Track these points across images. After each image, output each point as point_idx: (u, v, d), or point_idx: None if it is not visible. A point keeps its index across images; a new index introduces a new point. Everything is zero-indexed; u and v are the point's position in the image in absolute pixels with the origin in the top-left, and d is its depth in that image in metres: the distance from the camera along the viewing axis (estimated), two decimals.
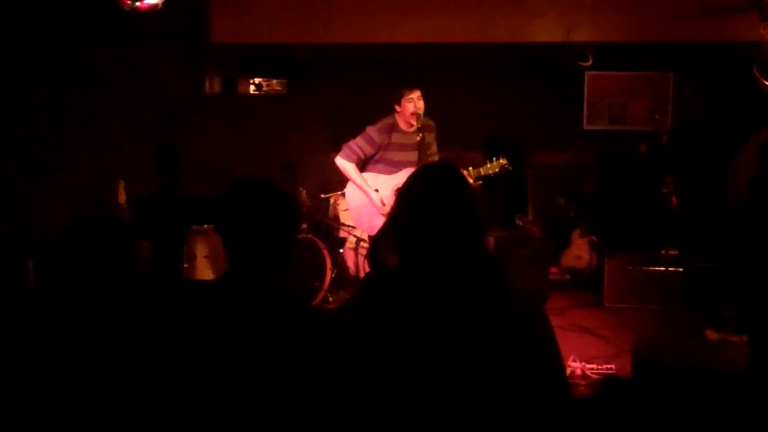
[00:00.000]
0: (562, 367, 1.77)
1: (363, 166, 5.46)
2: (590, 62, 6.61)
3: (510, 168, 5.43)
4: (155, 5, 4.34)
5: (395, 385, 1.64)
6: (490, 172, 5.40)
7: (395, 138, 5.34)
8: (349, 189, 5.54)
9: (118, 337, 2.15)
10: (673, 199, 5.60)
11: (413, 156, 5.30)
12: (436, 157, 5.49)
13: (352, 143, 5.37)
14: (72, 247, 2.19)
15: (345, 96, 7.84)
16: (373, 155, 5.39)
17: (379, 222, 5.32)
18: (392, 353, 1.65)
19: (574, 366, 4.67)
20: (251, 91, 7.66)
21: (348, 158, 5.36)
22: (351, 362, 1.70)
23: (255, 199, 2.21)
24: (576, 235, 7.43)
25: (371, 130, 5.35)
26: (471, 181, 5.32)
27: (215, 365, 2.09)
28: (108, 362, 2.09)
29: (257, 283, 2.17)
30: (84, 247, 2.18)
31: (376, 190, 5.39)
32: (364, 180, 5.41)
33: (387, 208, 5.31)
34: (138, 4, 4.26)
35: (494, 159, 5.42)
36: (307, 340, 2.07)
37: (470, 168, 5.35)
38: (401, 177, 5.30)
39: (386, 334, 1.68)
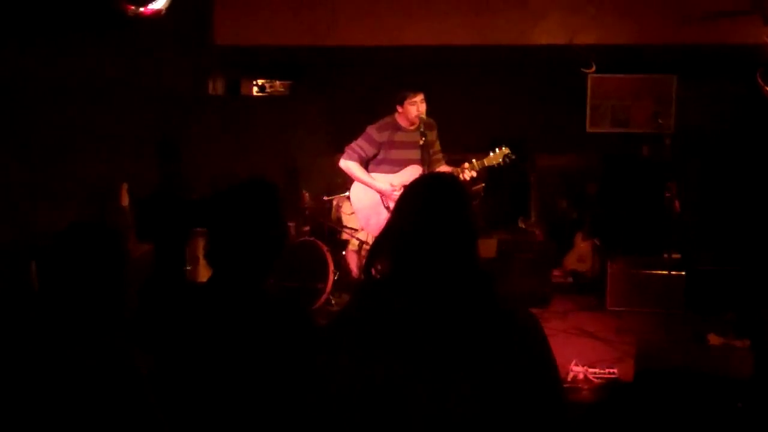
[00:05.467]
0: (558, 382, 1.75)
1: (366, 167, 5.47)
2: (593, 69, 6.62)
3: (514, 157, 5.36)
4: (159, 11, 4.34)
5: (389, 403, 1.65)
6: (494, 162, 5.34)
7: (397, 137, 5.35)
8: (354, 191, 5.54)
9: (113, 341, 2.15)
10: (676, 203, 5.59)
11: (416, 154, 5.31)
12: (439, 156, 5.50)
13: (353, 144, 5.42)
14: (60, 255, 2.20)
15: (348, 98, 7.84)
16: (376, 155, 5.41)
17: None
18: (385, 370, 1.66)
19: (577, 370, 4.66)
20: (254, 93, 7.66)
21: (350, 158, 5.40)
22: (344, 379, 1.71)
23: (245, 203, 2.23)
24: (579, 237, 7.43)
25: (371, 130, 5.39)
26: (474, 173, 5.29)
27: (201, 370, 2.13)
28: (106, 365, 2.09)
29: (239, 290, 2.19)
30: (71, 255, 2.19)
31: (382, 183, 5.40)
32: (370, 176, 5.41)
33: (398, 192, 5.34)
34: (142, 10, 4.26)
35: (497, 149, 5.37)
36: (288, 347, 2.10)
37: (473, 160, 5.30)
38: (405, 174, 5.32)
39: (379, 350, 1.68)
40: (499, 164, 5.36)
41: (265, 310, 2.19)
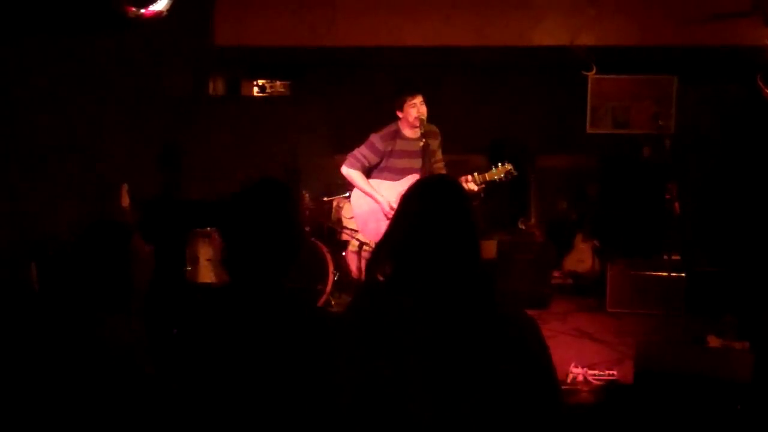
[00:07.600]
0: (556, 384, 1.76)
1: (368, 174, 5.46)
2: (594, 72, 6.62)
3: (515, 174, 5.34)
4: (159, 12, 4.35)
5: (391, 402, 1.65)
6: (495, 177, 5.30)
7: (399, 145, 5.33)
8: (355, 196, 5.54)
9: (122, 340, 2.16)
10: (676, 204, 5.59)
11: (417, 163, 5.30)
12: (440, 164, 5.47)
13: (356, 152, 5.38)
14: (88, 253, 2.22)
15: (348, 98, 7.85)
16: (378, 163, 5.39)
17: (385, 228, 5.31)
18: (385, 371, 1.67)
19: (576, 372, 4.66)
20: (255, 93, 7.66)
21: (353, 166, 5.38)
22: (347, 381, 1.71)
23: (263, 203, 2.17)
24: (578, 239, 7.43)
25: (374, 138, 5.35)
26: (475, 187, 5.27)
27: (222, 372, 2.06)
28: (110, 365, 2.09)
29: (266, 291, 2.13)
30: (99, 252, 2.21)
31: (382, 196, 5.39)
32: (371, 186, 5.40)
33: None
34: (143, 11, 4.26)
35: (499, 164, 5.33)
36: (321, 347, 2.05)
37: (475, 174, 5.27)
38: (406, 183, 5.29)
39: (379, 352, 1.69)
40: (500, 179, 5.31)
41: (297, 313, 2.12)
